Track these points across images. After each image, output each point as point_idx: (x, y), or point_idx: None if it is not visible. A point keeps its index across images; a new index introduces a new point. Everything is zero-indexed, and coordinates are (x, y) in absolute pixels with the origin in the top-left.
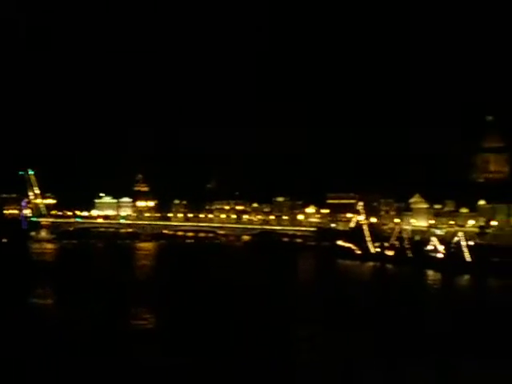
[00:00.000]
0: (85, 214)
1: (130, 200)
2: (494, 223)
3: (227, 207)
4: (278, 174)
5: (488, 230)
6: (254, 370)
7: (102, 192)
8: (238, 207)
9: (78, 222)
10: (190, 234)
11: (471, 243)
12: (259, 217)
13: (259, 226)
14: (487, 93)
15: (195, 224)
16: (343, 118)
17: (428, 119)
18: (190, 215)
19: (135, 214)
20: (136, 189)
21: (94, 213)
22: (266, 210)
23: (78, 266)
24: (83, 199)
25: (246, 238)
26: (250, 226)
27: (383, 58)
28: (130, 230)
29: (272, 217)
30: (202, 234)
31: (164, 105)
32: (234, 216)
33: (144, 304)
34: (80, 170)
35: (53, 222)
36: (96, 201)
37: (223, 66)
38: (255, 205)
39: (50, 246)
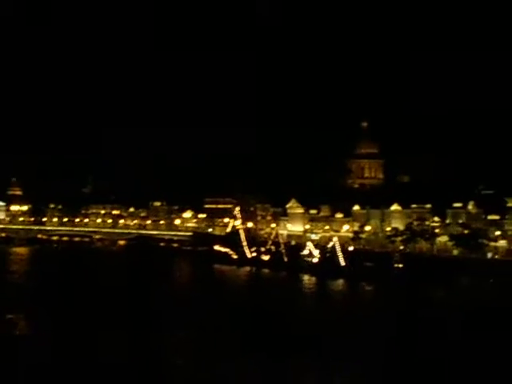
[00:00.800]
0: None
1: (4, 204)
2: (367, 228)
3: (103, 211)
4: (154, 178)
5: (362, 235)
6: (118, 369)
7: None
8: (114, 212)
9: None
10: (65, 238)
11: (351, 249)
12: (136, 221)
13: (135, 231)
14: (362, 99)
15: (70, 228)
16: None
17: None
18: (65, 219)
19: (8, 219)
20: (10, 193)
21: None
22: (143, 214)
23: None
24: None
25: (121, 242)
26: (126, 231)
27: None
28: (3, 234)
29: (149, 221)
30: (77, 239)
31: (43, 107)
32: (110, 220)
33: (16, 309)
34: None
35: None
36: None
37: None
38: (132, 209)
39: None
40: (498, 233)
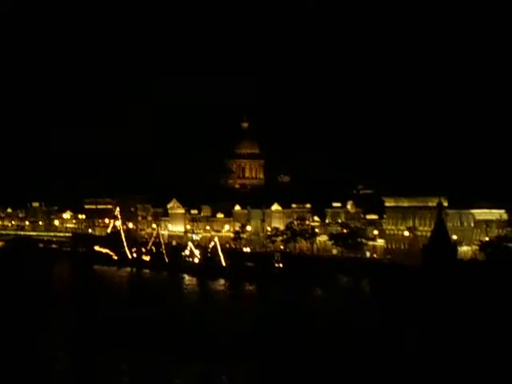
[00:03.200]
0: None
1: None
2: (248, 228)
3: None
4: (31, 177)
5: (243, 235)
6: None
7: None
8: None
9: None
10: None
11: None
12: (13, 222)
13: (13, 232)
14: (243, 98)
15: None
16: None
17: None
18: None
19: None
20: None
21: None
22: (21, 215)
23: None
24: None
25: None
26: (3, 232)
27: None
28: None
29: (27, 222)
30: None
31: None
32: None
33: None
34: None
35: None
36: None
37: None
38: (9, 210)
39: None
40: (376, 232)
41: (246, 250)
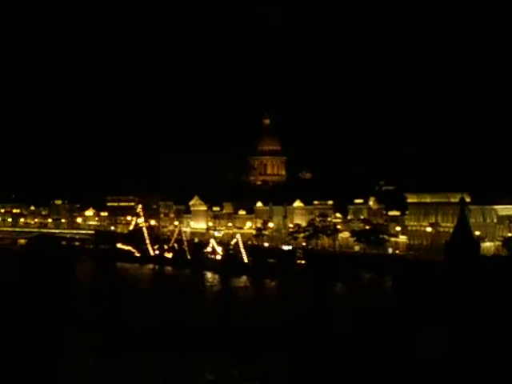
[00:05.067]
0: None
1: None
2: (270, 225)
3: (3, 210)
4: (55, 175)
5: (265, 232)
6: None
7: None
8: (15, 210)
9: None
10: None
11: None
12: (36, 220)
13: (36, 230)
14: (265, 96)
15: None
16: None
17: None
18: None
19: None
20: None
21: None
22: (44, 213)
23: None
24: None
25: (22, 241)
26: (26, 230)
27: None
28: None
29: (50, 220)
30: None
31: None
32: (10, 219)
33: None
34: None
35: None
36: None
37: None
38: (32, 208)
39: None
40: (398, 228)
41: (269, 246)
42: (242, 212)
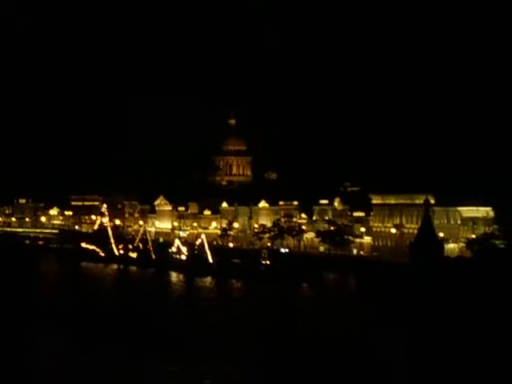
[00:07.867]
0: None
1: None
2: (236, 225)
3: None
4: (19, 174)
5: (230, 232)
6: None
7: None
8: None
9: None
10: None
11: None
12: (0, 219)
13: (0, 228)
14: (231, 96)
15: None
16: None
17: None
18: None
19: None
20: None
21: None
22: (8, 211)
23: None
24: None
25: None
26: None
27: None
28: None
29: (13, 219)
30: None
31: None
32: None
33: None
34: None
35: None
36: None
37: None
38: None
39: None
40: (362, 229)
41: (233, 246)
42: (207, 212)
